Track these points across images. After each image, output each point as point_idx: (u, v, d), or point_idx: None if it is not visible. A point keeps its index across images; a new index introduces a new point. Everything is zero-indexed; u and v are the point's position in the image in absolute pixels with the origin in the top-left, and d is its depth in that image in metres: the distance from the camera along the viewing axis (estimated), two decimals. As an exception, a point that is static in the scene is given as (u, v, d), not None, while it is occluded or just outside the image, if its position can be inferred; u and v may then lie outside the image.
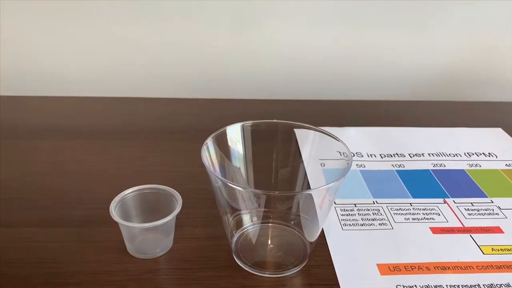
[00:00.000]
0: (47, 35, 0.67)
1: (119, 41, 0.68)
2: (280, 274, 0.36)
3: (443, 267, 0.37)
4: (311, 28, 0.68)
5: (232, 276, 0.36)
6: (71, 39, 0.67)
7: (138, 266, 0.37)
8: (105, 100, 0.66)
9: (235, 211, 0.37)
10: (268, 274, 0.36)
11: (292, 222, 0.40)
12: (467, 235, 0.41)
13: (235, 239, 0.38)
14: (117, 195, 0.38)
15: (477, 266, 0.38)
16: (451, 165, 0.52)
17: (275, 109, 0.64)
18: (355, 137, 0.56)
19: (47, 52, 0.68)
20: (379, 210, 0.44)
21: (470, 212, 0.44)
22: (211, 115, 0.62)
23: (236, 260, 0.37)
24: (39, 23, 0.66)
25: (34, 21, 0.66)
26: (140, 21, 0.67)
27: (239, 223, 0.38)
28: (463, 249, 0.39)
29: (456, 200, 0.46)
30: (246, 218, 0.38)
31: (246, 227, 0.39)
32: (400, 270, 0.37)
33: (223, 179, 0.34)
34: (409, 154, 0.53)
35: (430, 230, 0.41)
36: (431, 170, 0.50)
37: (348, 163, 0.35)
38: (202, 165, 0.35)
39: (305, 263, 0.37)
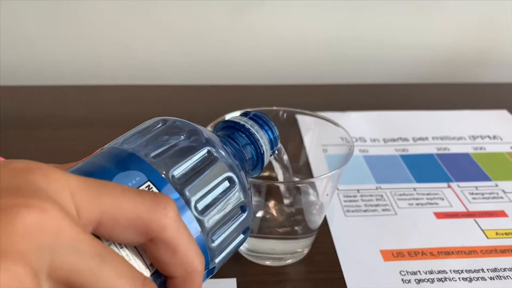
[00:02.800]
0: (44, 23, 0.66)
1: (115, 28, 0.67)
2: (282, 262, 0.36)
3: (446, 252, 0.37)
4: (312, 11, 0.67)
5: (235, 264, 0.36)
6: (66, 25, 0.67)
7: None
8: (102, 88, 0.66)
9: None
10: (270, 262, 0.36)
11: (295, 210, 0.39)
12: (471, 219, 0.41)
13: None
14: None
15: (481, 251, 0.38)
16: (455, 148, 0.51)
17: (275, 95, 0.64)
18: (357, 122, 0.55)
19: (43, 40, 0.68)
20: (383, 196, 0.43)
21: (474, 196, 0.44)
22: (209, 101, 0.61)
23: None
24: (35, 11, 0.65)
25: (30, 9, 0.65)
26: (136, 7, 0.66)
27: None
28: (467, 233, 0.39)
29: (460, 184, 0.45)
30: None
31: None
32: (404, 256, 0.37)
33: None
34: (412, 138, 0.53)
35: (434, 215, 0.41)
36: (435, 154, 0.50)
37: (350, 149, 0.35)
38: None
39: (307, 250, 0.37)
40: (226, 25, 0.68)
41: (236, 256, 0.37)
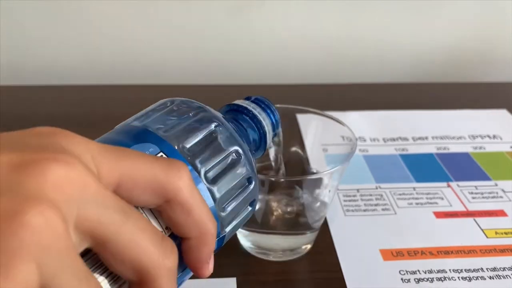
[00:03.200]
0: (44, 22, 0.66)
1: (115, 28, 0.67)
2: (282, 259, 0.36)
3: (446, 252, 0.37)
4: (312, 11, 0.67)
5: (235, 263, 0.36)
6: (67, 25, 0.67)
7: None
8: (101, 88, 0.66)
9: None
10: (272, 258, 0.36)
11: (295, 208, 0.40)
12: (471, 219, 0.41)
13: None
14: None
15: (480, 250, 0.38)
16: (455, 148, 0.51)
17: (275, 94, 0.64)
18: (357, 122, 0.55)
19: (44, 40, 0.68)
20: (382, 195, 0.44)
21: (474, 195, 0.44)
22: (210, 101, 0.61)
23: (241, 246, 0.37)
24: (35, 11, 0.65)
25: (30, 9, 0.65)
26: (137, 7, 0.66)
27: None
28: (466, 233, 0.39)
29: (460, 183, 0.45)
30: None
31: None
32: (403, 255, 0.37)
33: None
34: (412, 138, 0.53)
35: (433, 215, 0.41)
36: (435, 153, 0.50)
37: (352, 148, 0.35)
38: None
39: (308, 248, 0.37)
40: (226, 25, 0.68)
41: (236, 255, 0.37)
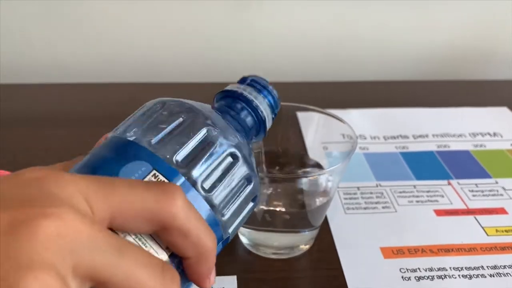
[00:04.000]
0: (45, 21, 0.66)
1: (116, 26, 0.67)
2: (283, 256, 0.36)
3: (446, 250, 0.37)
4: (312, 8, 0.67)
5: (236, 261, 0.36)
6: (68, 24, 0.67)
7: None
8: (103, 86, 0.66)
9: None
10: (273, 256, 0.36)
11: (296, 206, 0.40)
12: (471, 216, 0.41)
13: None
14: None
15: (480, 248, 0.38)
16: (455, 146, 0.51)
17: (277, 92, 0.64)
18: (358, 120, 0.55)
19: (45, 38, 0.68)
20: (383, 193, 0.44)
21: (475, 193, 0.44)
22: (210, 100, 0.61)
23: (241, 243, 0.37)
24: (36, 9, 0.65)
25: (30, 7, 0.65)
26: (137, 5, 0.66)
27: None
28: (466, 231, 0.39)
29: (461, 181, 0.45)
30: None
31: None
32: (404, 253, 0.37)
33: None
34: (412, 136, 0.53)
35: (434, 213, 0.41)
36: (435, 151, 0.50)
37: (352, 146, 0.35)
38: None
39: (308, 246, 0.37)
40: (226, 23, 0.68)
41: (236, 253, 0.37)
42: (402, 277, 0.35)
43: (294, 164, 0.41)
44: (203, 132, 0.24)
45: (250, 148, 0.28)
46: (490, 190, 0.44)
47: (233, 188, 0.24)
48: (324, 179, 0.38)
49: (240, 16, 0.67)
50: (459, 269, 0.36)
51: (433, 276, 0.35)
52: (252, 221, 0.36)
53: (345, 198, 0.43)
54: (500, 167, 0.48)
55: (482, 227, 0.40)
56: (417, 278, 0.35)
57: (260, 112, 0.29)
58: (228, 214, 0.24)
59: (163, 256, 0.20)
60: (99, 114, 0.58)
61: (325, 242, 0.38)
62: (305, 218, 0.37)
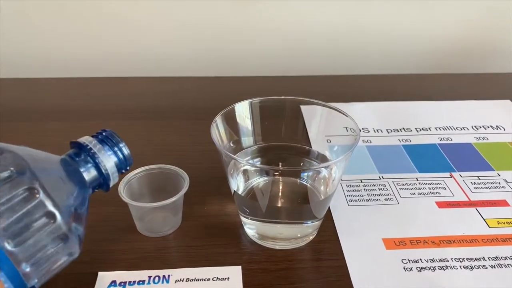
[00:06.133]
0: (48, 15, 0.67)
1: (120, 20, 0.67)
2: (286, 247, 0.37)
3: (448, 241, 0.38)
4: (316, 2, 0.67)
5: (241, 252, 0.37)
6: (72, 19, 0.67)
7: (148, 244, 0.37)
8: (109, 80, 0.66)
9: (245, 186, 0.38)
10: (278, 246, 0.37)
11: (299, 198, 0.40)
12: (473, 208, 0.41)
13: (245, 213, 0.38)
14: (125, 175, 0.39)
15: (482, 240, 0.38)
16: (458, 138, 0.51)
17: (281, 86, 0.64)
18: (361, 113, 0.56)
19: (50, 33, 0.68)
20: (385, 186, 0.44)
21: (477, 185, 0.44)
22: (214, 93, 0.62)
23: (246, 235, 0.38)
24: (41, 4, 0.66)
25: (36, 2, 0.65)
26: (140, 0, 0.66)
27: (249, 199, 0.39)
28: (468, 222, 0.40)
29: (463, 174, 0.46)
30: (256, 193, 0.39)
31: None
32: (406, 244, 0.37)
33: (233, 155, 0.35)
34: (415, 129, 0.53)
35: (436, 205, 0.42)
36: (438, 144, 0.50)
37: (355, 139, 0.35)
38: (209, 144, 0.35)
39: (312, 237, 0.38)
40: (231, 17, 0.68)
41: (241, 244, 0.37)
42: (404, 268, 0.35)
43: (298, 157, 0.42)
44: (20, 191, 0.26)
45: (85, 199, 0.29)
46: (492, 183, 0.45)
47: (44, 245, 0.26)
48: (327, 172, 0.39)
49: (244, 10, 0.67)
50: (461, 260, 0.36)
51: (435, 267, 0.35)
52: (257, 213, 0.37)
53: (348, 190, 0.43)
54: (502, 159, 0.48)
55: (484, 219, 0.40)
56: (418, 269, 0.35)
57: (102, 167, 0.31)
58: (33, 267, 0.26)
59: None
60: (104, 108, 0.58)
61: (328, 233, 0.39)
62: (308, 210, 0.38)
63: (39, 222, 0.26)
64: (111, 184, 0.32)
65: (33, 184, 0.26)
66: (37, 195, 0.26)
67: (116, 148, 0.32)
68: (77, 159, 0.30)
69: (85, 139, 0.31)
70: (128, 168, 0.33)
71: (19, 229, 0.25)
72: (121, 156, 0.32)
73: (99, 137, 0.32)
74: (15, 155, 0.27)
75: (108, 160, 0.31)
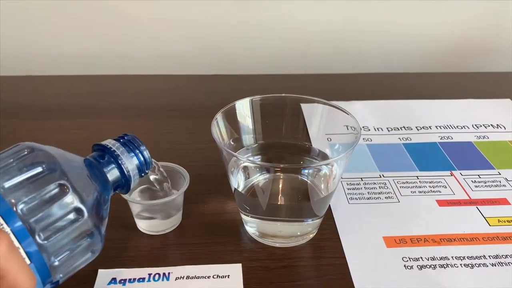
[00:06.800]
0: (49, 13, 0.67)
1: (120, 18, 0.67)
2: (287, 245, 0.37)
3: (449, 239, 0.38)
4: (317, 2, 0.67)
5: (241, 250, 0.37)
6: (71, 17, 0.67)
7: (148, 242, 0.37)
8: (109, 78, 0.66)
9: (246, 184, 0.38)
10: (278, 244, 0.37)
11: (300, 196, 0.40)
12: (474, 207, 0.41)
13: (246, 210, 0.38)
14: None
15: (482, 238, 0.38)
16: (458, 137, 0.51)
17: (281, 84, 0.64)
18: (361, 111, 0.56)
19: (49, 30, 0.68)
20: (386, 184, 0.44)
21: (477, 184, 0.44)
22: (216, 91, 0.62)
23: (246, 232, 0.38)
24: (39, 2, 0.65)
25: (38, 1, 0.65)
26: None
27: (249, 196, 0.39)
28: (469, 221, 0.40)
29: (463, 172, 0.46)
30: (256, 191, 0.39)
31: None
32: (406, 242, 0.37)
33: (233, 153, 0.35)
34: (416, 127, 0.53)
35: (436, 203, 0.42)
36: (438, 142, 0.50)
37: (356, 137, 0.35)
38: (209, 142, 0.35)
39: (312, 235, 0.38)
40: (233, 17, 0.68)
41: (241, 242, 0.37)
42: (405, 266, 0.35)
43: (298, 155, 0.42)
44: (53, 185, 0.27)
45: (107, 199, 0.31)
46: (493, 181, 0.45)
47: (71, 240, 0.27)
48: (328, 170, 0.39)
49: (246, 8, 0.67)
50: (461, 258, 0.36)
51: (435, 265, 0.35)
52: (257, 211, 0.37)
53: (349, 189, 0.43)
54: (503, 158, 0.48)
55: (484, 217, 0.40)
56: (419, 267, 0.35)
57: (126, 170, 0.32)
58: (60, 261, 0.27)
59: None
60: (105, 106, 0.58)
61: (328, 231, 0.39)
62: (309, 208, 0.38)
63: (68, 217, 0.27)
64: (132, 186, 0.33)
65: (63, 180, 0.27)
66: (67, 191, 0.27)
67: (137, 151, 0.33)
68: (101, 160, 0.32)
69: (109, 142, 0.33)
70: (147, 171, 0.34)
71: (49, 223, 0.26)
72: (142, 159, 0.33)
73: (121, 140, 0.33)
74: (46, 153, 0.28)
75: (131, 162, 0.32)
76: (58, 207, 0.27)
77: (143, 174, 0.34)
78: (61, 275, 0.28)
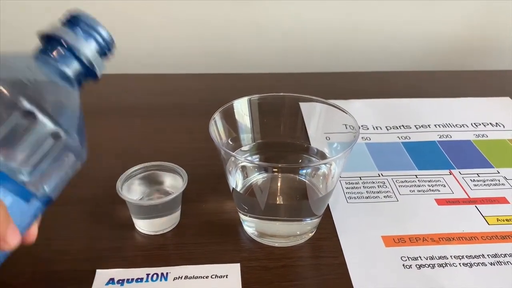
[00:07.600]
0: (49, 13, 0.66)
1: (122, 18, 0.67)
2: (286, 244, 0.37)
3: (447, 238, 0.38)
4: (316, 0, 0.67)
5: (239, 249, 0.37)
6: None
7: (146, 242, 0.37)
8: (108, 77, 0.66)
9: (244, 184, 0.38)
10: (277, 244, 0.37)
11: (298, 195, 0.40)
12: (472, 206, 0.41)
13: (244, 210, 0.38)
14: (123, 172, 0.38)
15: (481, 237, 0.38)
16: (457, 136, 0.51)
17: (280, 83, 0.64)
18: (360, 110, 0.56)
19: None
20: (384, 183, 0.44)
21: (476, 183, 0.44)
22: (214, 90, 0.62)
23: (244, 232, 0.38)
24: (39, 2, 0.65)
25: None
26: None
27: (248, 196, 0.39)
28: (468, 220, 0.40)
29: (462, 171, 0.46)
30: (254, 191, 0.39)
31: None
32: (405, 241, 0.37)
33: (231, 153, 0.34)
34: (415, 126, 0.53)
35: (435, 202, 0.42)
36: (437, 141, 0.50)
37: (355, 136, 0.35)
38: (207, 141, 0.35)
39: (311, 235, 0.38)
40: (232, 15, 0.68)
41: (240, 241, 0.37)
42: (404, 265, 0.35)
43: (297, 154, 0.41)
44: (16, 117, 0.23)
45: (78, 97, 0.27)
46: (492, 180, 0.44)
47: (56, 165, 0.25)
48: (327, 169, 0.39)
49: (243, 7, 0.67)
50: (460, 257, 0.36)
51: (434, 264, 0.35)
52: (255, 210, 0.37)
53: (347, 188, 0.43)
54: (502, 157, 0.48)
55: (483, 216, 0.40)
56: (418, 266, 0.35)
57: (85, 58, 0.27)
58: (50, 186, 0.25)
59: None
60: (106, 105, 0.58)
61: (327, 230, 0.38)
62: (307, 207, 0.38)
63: (45, 145, 0.24)
64: (98, 72, 0.29)
65: (27, 106, 0.24)
66: (33, 119, 0.24)
67: (91, 31, 0.28)
68: (51, 54, 0.27)
69: (55, 29, 0.27)
70: (111, 49, 0.29)
71: (25, 158, 0.24)
72: (99, 38, 0.28)
73: (68, 23, 0.28)
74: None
75: (86, 47, 0.27)
76: (29, 140, 0.24)
77: (106, 55, 0.29)
78: (45, 187, 0.25)
